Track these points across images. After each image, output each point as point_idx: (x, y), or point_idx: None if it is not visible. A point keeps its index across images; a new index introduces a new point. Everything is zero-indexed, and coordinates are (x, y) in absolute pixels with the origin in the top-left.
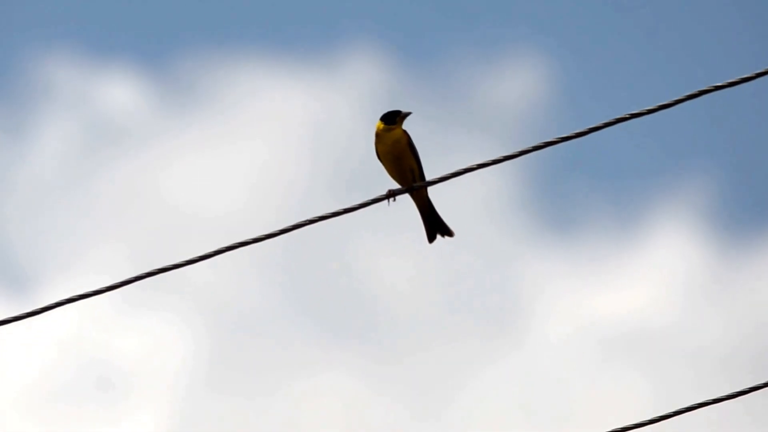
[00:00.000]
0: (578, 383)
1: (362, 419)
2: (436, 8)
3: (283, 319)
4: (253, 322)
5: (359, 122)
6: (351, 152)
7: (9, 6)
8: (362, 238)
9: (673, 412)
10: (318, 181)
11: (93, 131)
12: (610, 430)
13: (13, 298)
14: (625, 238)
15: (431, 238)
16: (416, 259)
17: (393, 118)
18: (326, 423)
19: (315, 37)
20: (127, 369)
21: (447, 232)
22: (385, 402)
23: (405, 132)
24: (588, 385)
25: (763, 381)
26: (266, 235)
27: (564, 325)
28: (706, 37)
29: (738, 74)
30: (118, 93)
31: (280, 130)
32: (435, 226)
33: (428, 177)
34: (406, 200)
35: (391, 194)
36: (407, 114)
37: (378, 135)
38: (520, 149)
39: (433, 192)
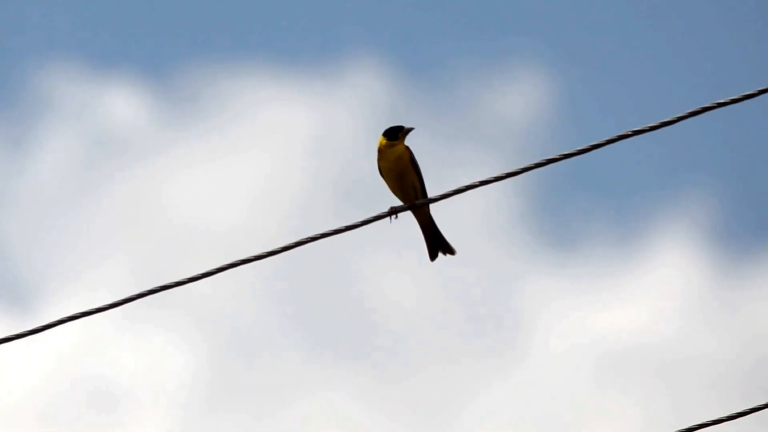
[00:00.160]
0: (579, 400)
1: None
2: (439, 21)
3: (283, 337)
4: (254, 339)
5: (361, 136)
6: (353, 166)
7: (11, 19)
8: (364, 255)
9: None
10: (320, 195)
11: (95, 144)
12: None
13: (14, 314)
14: (626, 255)
15: (433, 256)
16: (418, 277)
17: (396, 134)
18: None
19: (317, 49)
20: (127, 386)
21: (449, 249)
22: (385, 420)
23: (407, 148)
24: (589, 402)
25: (763, 402)
26: (268, 252)
27: (565, 342)
28: (710, 54)
29: (741, 91)
30: (121, 106)
31: (283, 143)
32: (437, 244)
33: (430, 193)
34: (408, 217)
35: (394, 211)
36: (410, 129)
37: (380, 151)
38: (522, 166)
39: (435, 208)
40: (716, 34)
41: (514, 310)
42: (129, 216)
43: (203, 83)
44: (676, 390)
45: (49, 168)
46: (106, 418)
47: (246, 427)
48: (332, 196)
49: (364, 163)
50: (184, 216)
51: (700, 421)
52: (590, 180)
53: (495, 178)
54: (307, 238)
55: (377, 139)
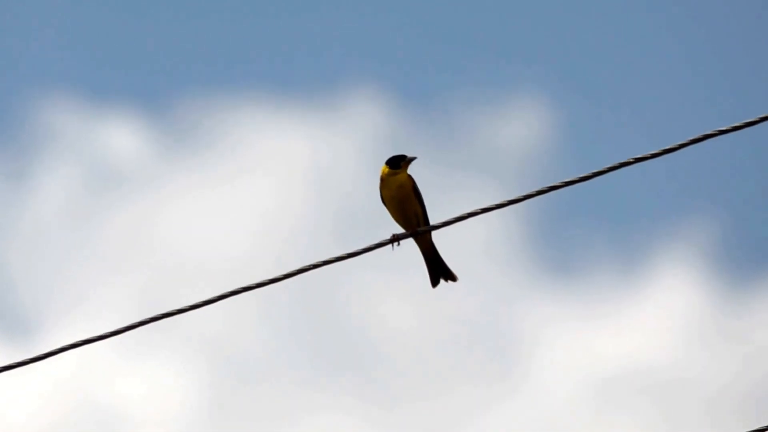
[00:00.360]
0: (579, 425)
1: None
2: (438, 51)
3: (285, 363)
4: (255, 365)
5: (361, 165)
6: (353, 195)
7: (10, 53)
8: (366, 282)
9: None
10: (320, 224)
11: (95, 176)
12: None
13: (16, 342)
14: (626, 282)
15: (434, 283)
16: (419, 303)
17: (398, 163)
18: None
19: (317, 79)
20: (128, 412)
21: (450, 276)
22: None
23: (410, 177)
24: (589, 428)
25: (764, 424)
26: (270, 279)
27: (565, 368)
28: (711, 81)
29: (742, 118)
30: (120, 137)
31: (282, 173)
32: (438, 271)
33: (432, 221)
34: (409, 244)
35: (395, 239)
36: (412, 159)
37: (383, 179)
38: (524, 193)
39: (437, 235)
40: (717, 62)
41: (515, 335)
42: (129, 246)
43: (202, 114)
44: (675, 415)
45: (50, 199)
46: None
47: None
48: (333, 226)
49: (364, 192)
50: (184, 246)
51: None
52: (591, 206)
53: (497, 205)
54: (310, 265)
55: (378, 169)
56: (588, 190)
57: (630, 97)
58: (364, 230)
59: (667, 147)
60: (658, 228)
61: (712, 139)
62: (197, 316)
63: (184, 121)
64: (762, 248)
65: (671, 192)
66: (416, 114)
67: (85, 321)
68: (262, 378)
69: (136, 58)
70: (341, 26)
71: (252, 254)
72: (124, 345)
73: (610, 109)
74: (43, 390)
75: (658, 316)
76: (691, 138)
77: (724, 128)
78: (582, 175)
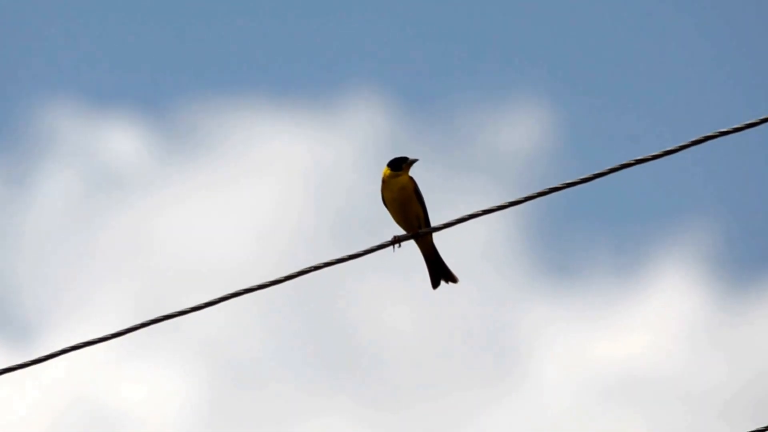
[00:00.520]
0: (577, 427)
1: None
2: (439, 53)
3: (284, 365)
4: (255, 367)
5: (362, 169)
6: (354, 198)
7: (10, 58)
8: (366, 284)
9: None
10: (320, 227)
11: (95, 179)
12: None
13: (16, 346)
14: (625, 284)
15: (435, 284)
16: (420, 305)
17: (400, 165)
18: None
19: (317, 82)
20: (128, 414)
21: (451, 278)
22: None
23: (411, 179)
24: (588, 430)
25: (763, 425)
26: (271, 281)
27: (564, 370)
28: (711, 83)
29: (743, 120)
30: (120, 141)
31: (282, 176)
32: (439, 272)
33: (433, 222)
34: (410, 246)
35: (397, 240)
36: (414, 161)
37: (384, 181)
38: (525, 195)
39: (437, 237)
40: (718, 63)
41: (515, 337)
42: (129, 249)
43: (202, 117)
44: (673, 416)
45: (51, 202)
46: None
47: None
48: (333, 229)
49: (364, 195)
50: (184, 249)
51: None
52: (592, 208)
53: (498, 206)
54: (310, 267)
55: (379, 171)
56: (588, 191)
57: (630, 98)
58: (364, 233)
59: (668, 148)
60: (658, 230)
61: (713, 141)
62: (197, 319)
63: (184, 125)
64: (761, 251)
65: (671, 194)
66: (417, 116)
67: (85, 323)
68: (262, 380)
69: (137, 62)
70: (341, 29)
71: (252, 257)
72: (124, 347)
73: (610, 110)
74: (44, 392)
75: (658, 318)
76: (692, 139)
77: (724, 129)
78: (583, 177)
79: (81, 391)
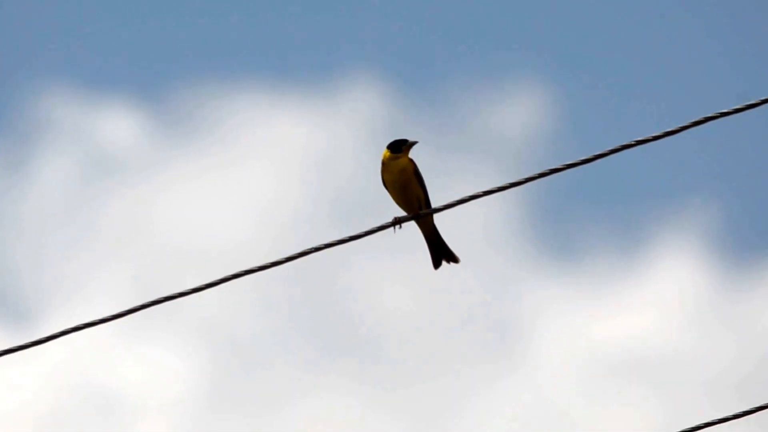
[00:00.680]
0: (579, 408)
1: None
2: (437, 36)
3: (286, 344)
4: (255, 348)
5: (360, 152)
6: (352, 181)
7: (8, 44)
8: (368, 265)
9: None
10: (319, 210)
11: (92, 164)
12: None
13: (16, 328)
14: (627, 264)
15: (436, 264)
16: (420, 285)
17: (399, 147)
18: None
19: (315, 65)
20: (128, 395)
21: (452, 258)
22: (386, 426)
23: (411, 161)
24: (589, 410)
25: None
26: (272, 262)
27: (565, 350)
28: (712, 64)
29: (743, 101)
30: (117, 126)
31: (280, 160)
32: (440, 253)
33: (433, 204)
34: (411, 227)
35: (397, 221)
36: (414, 143)
37: (384, 163)
38: (525, 176)
39: (438, 218)
40: (718, 43)
41: (515, 317)
42: (127, 232)
43: (199, 101)
44: (674, 396)
45: (49, 187)
46: (107, 426)
47: None
48: (331, 212)
49: (363, 177)
50: (182, 232)
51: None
52: (592, 190)
53: (499, 188)
54: (311, 248)
55: (377, 154)
56: (589, 172)
57: (630, 79)
58: (363, 216)
59: (669, 129)
60: (658, 210)
61: (714, 122)
62: (197, 300)
63: (180, 109)
64: (762, 231)
65: (672, 174)
66: (415, 99)
67: (84, 306)
68: (263, 361)
69: (133, 47)
70: (338, 12)
71: (250, 240)
72: (124, 329)
73: (610, 91)
74: (44, 374)
75: (658, 298)
76: (693, 120)
77: (725, 110)
78: (583, 158)
79: (82, 372)
